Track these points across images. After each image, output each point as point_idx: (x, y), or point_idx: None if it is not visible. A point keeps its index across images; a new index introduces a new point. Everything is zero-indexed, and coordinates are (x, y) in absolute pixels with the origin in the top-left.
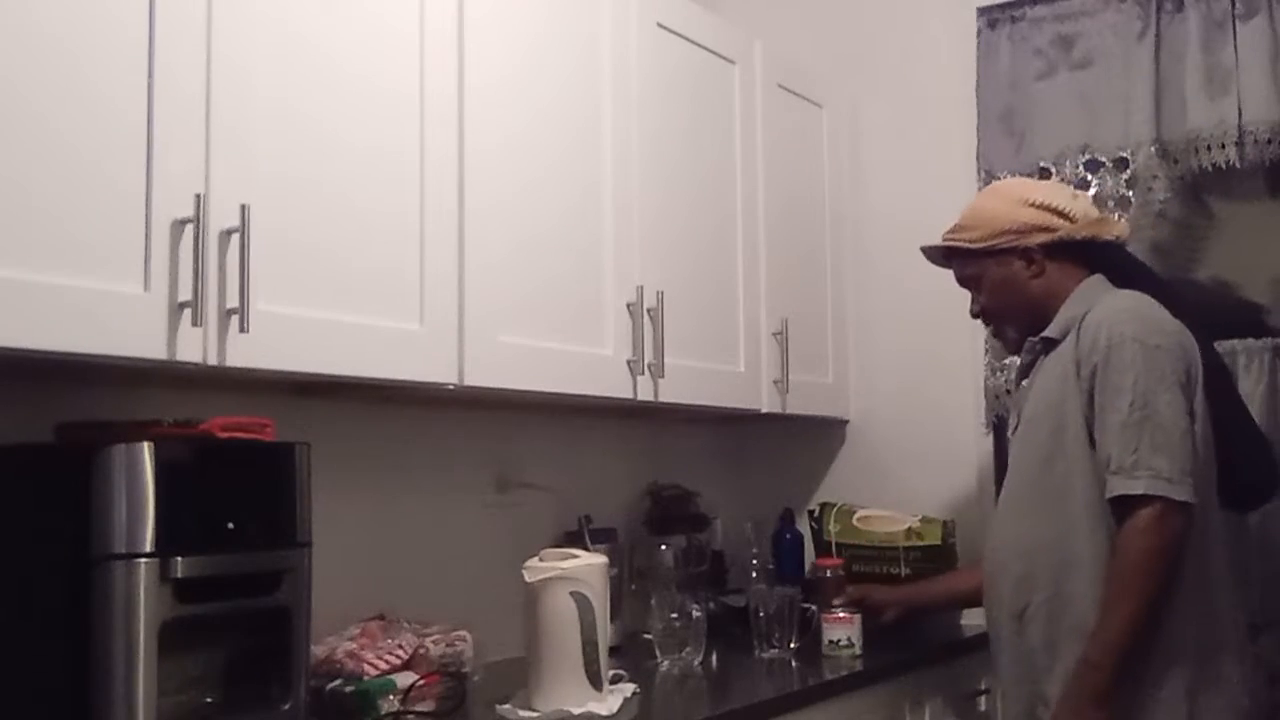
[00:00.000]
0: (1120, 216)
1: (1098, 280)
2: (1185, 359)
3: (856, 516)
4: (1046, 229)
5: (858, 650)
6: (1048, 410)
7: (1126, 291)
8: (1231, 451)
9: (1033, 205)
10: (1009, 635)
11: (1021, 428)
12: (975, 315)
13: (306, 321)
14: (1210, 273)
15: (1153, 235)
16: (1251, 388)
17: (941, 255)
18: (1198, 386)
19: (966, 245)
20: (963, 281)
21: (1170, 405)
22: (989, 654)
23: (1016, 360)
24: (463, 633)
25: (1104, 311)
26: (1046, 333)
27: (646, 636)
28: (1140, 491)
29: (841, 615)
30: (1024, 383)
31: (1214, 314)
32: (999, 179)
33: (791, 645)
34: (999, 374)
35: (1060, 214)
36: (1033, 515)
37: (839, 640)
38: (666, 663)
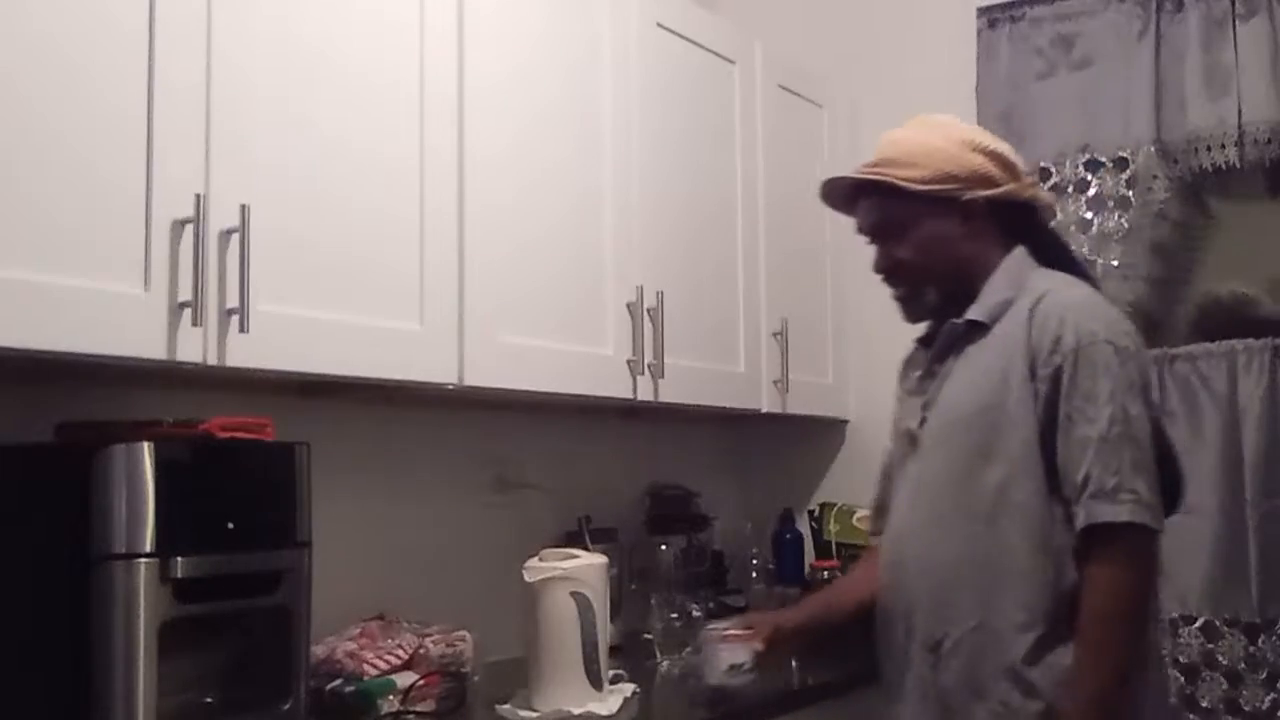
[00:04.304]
0: (1120, 216)
1: (1023, 255)
2: (1148, 363)
3: (856, 517)
4: (991, 182)
5: (754, 673)
6: (980, 409)
7: (1065, 276)
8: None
9: (980, 151)
10: (919, 670)
11: (936, 426)
12: (885, 270)
13: (306, 321)
14: (1209, 273)
15: (1152, 235)
16: (1251, 388)
17: (851, 194)
18: (1153, 394)
19: (906, 184)
20: (878, 228)
21: (1142, 419)
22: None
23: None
24: (463, 633)
25: (1061, 302)
26: (971, 315)
27: (646, 636)
28: (1125, 519)
29: (739, 632)
30: (936, 369)
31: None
32: None
33: None
34: None
35: (1006, 167)
36: (952, 530)
37: (741, 665)
38: (666, 663)
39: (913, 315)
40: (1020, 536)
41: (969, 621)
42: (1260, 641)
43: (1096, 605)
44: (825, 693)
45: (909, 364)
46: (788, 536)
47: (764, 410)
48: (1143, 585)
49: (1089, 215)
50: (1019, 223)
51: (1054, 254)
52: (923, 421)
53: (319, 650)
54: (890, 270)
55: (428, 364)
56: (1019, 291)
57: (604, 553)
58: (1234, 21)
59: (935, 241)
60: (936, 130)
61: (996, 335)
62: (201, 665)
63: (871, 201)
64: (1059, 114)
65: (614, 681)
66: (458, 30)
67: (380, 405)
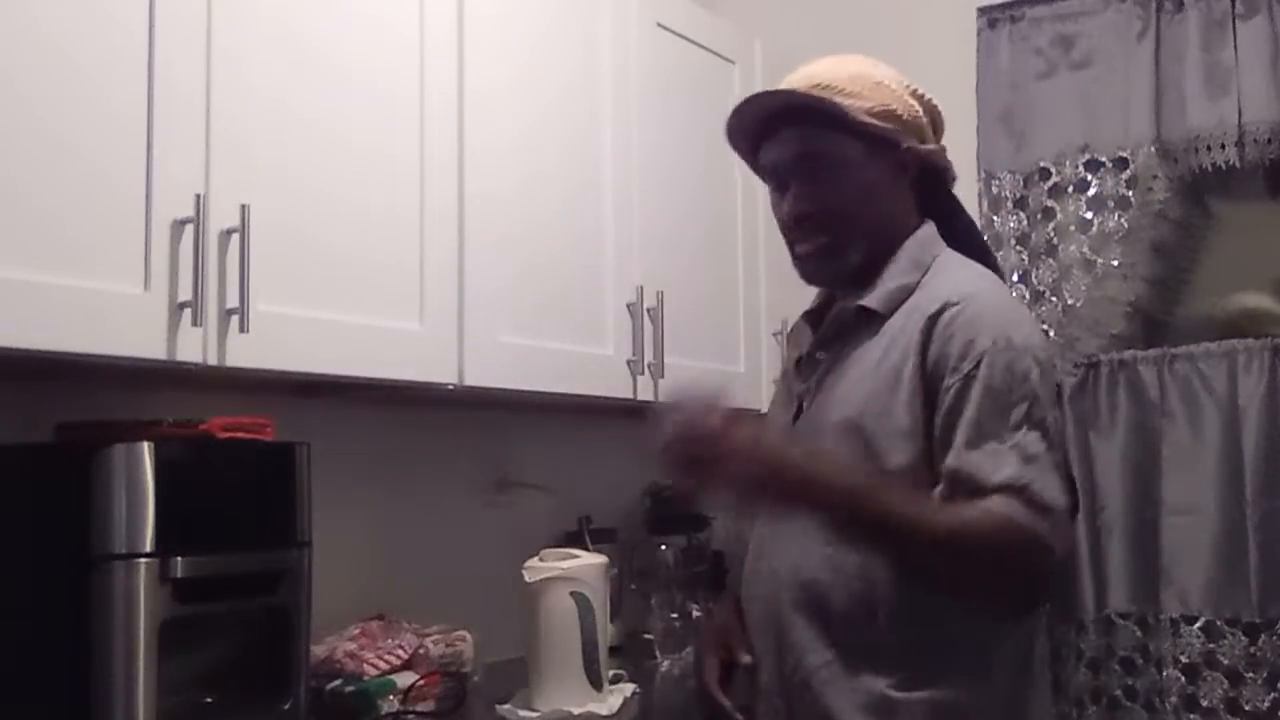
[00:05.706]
0: (1120, 216)
1: (932, 233)
2: (1058, 373)
3: None
4: (923, 136)
5: None
6: (849, 427)
7: (972, 269)
8: None
9: (917, 98)
10: (772, 690)
11: (805, 428)
12: (804, 214)
13: (306, 321)
14: (1210, 274)
15: (1153, 235)
16: (1252, 388)
17: (761, 127)
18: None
19: (852, 113)
20: (802, 162)
21: (1062, 435)
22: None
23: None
24: (463, 633)
25: (971, 303)
26: (866, 301)
27: (646, 636)
28: (1047, 544)
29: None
30: (820, 356)
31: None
32: (999, 180)
33: None
34: None
35: (936, 125)
36: (812, 550)
37: None
38: (666, 663)
39: (823, 274)
40: (886, 568)
41: (823, 656)
42: (1260, 641)
43: (971, 517)
44: None
45: (791, 339)
46: None
47: (764, 410)
48: (1008, 568)
49: (1089, 215)
50: (930, 193)
51: (961, 233)
52: (798, 414)
53: (319, 650)
54: (810, 216)
55: (428, 364)
56: (921, 276)
57: (604, 553)
58: (1234, 21)
59: (869, 190)
60: (875, 65)
61: (887, 336)
62: (201, 665)
63: (797, 131)
64: (1059, 114)
65: (614, 681)
66: (458, 30)
67: (380, 405)
